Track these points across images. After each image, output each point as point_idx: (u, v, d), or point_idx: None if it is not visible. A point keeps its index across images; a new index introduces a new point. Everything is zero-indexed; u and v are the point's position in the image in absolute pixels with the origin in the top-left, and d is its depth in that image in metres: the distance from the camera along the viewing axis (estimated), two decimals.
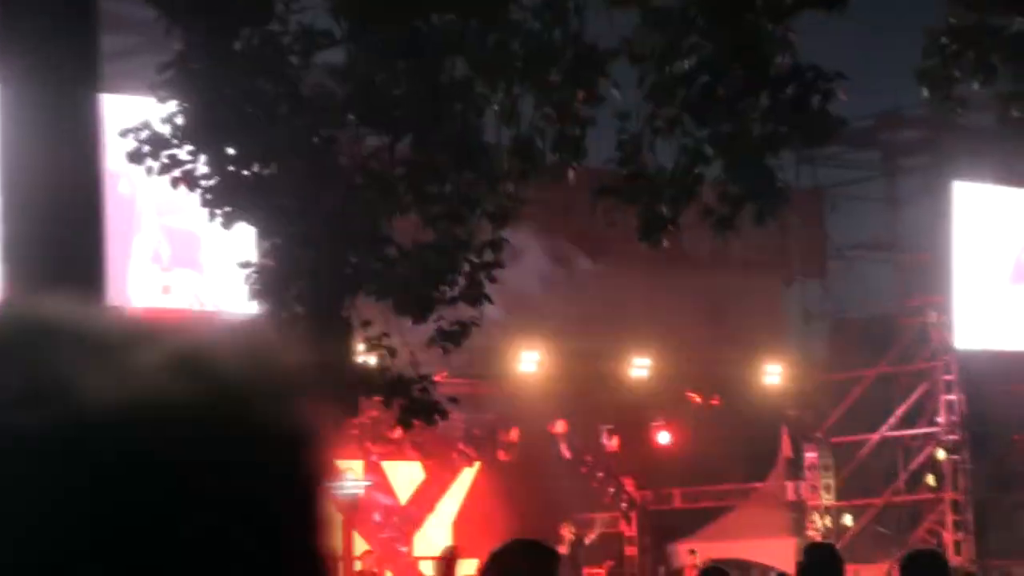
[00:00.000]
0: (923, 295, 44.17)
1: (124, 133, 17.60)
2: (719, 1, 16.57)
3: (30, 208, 2.55)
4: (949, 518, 42.49)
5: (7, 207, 3.81)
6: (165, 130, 16.89)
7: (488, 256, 17.57)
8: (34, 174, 2.68)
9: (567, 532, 41.82)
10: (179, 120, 16.95)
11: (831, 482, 44.16)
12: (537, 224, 21.91)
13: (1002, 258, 42.85)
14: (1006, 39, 18.80)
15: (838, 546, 25.37)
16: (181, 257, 31.78)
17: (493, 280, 17.67)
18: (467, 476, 44.98)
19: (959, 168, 41.36)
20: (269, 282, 18.22)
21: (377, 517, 42.06)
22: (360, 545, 38.52)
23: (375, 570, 39.22)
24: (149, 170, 17.41)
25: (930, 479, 43.71)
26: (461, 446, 42.56)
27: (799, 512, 44.13)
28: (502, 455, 43.80)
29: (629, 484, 45.98)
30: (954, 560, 36.97)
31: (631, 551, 45.43)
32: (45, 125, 2.58)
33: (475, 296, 17.59)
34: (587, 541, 43.28)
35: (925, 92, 19.52)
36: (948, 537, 41.37)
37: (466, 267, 17.58)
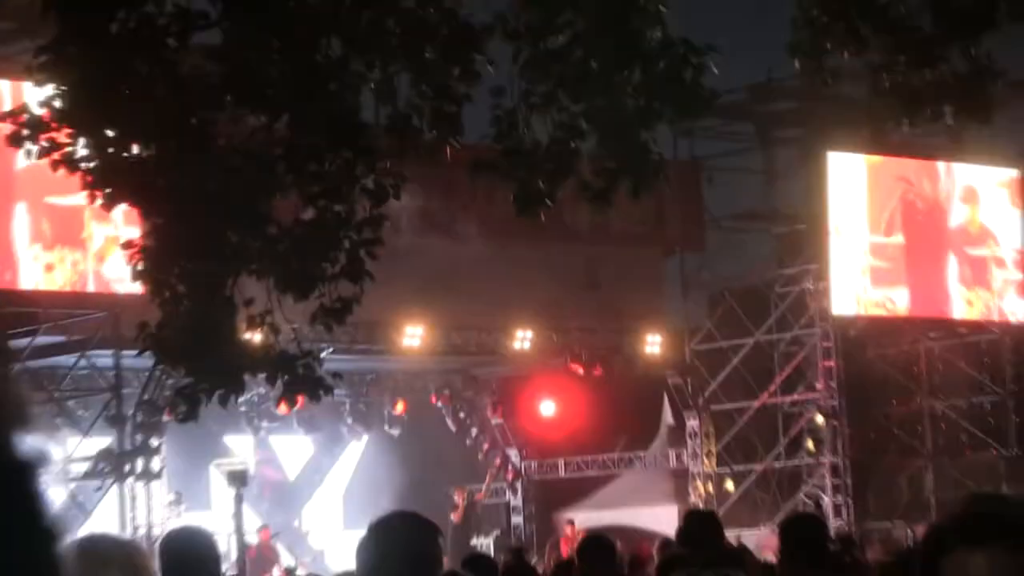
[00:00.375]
0: (799, 264, 44.50)
1: (2, 117, 17.52)
2: None
3: None
4: (828, 482, 42.95)
5: None
6: (43, 113, 16.74)
7: (368, 233, 17.46)
8: None
9: (459, 497, 42.19)
10: (57, 103, 16.81)
11: (712, 449, 44.42)
12: (418, 199, 21.74)
13: (876, 224, 43.20)
14: (876, 9, 18.82)
15: (719, 512, 25.42)
16: (63, 235, 31.36)
17: (374, 257, 17.59)
18: (355, 449, 45.04)
19: (833, 138, 41.77)
20: (151, 262, 18.10)
21: (267, 492, 42.12)
22: (252, 521, 38.37)
23: (268, 544, 39.32)
24: (28, 153, 17.26)
25: (809, 444, 44.11)
26: (348, 420, 42.64)
27: (682, 479, 44.41)
28: (389, 428, 43.94)
29: (514, 455, 46.17)
30: (834, 523, 37.48)
31: (517, 520, 45.64)
32: None
33: (356, 273, 17.49)
34: (478, 498, 43.69)
35: (797, 64, 19.56)
36: (827, 501, 41.76)
37: (346, 244, 17.49)
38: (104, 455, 38.28)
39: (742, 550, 17.29)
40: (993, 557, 4.90)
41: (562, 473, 46.88)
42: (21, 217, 29.71)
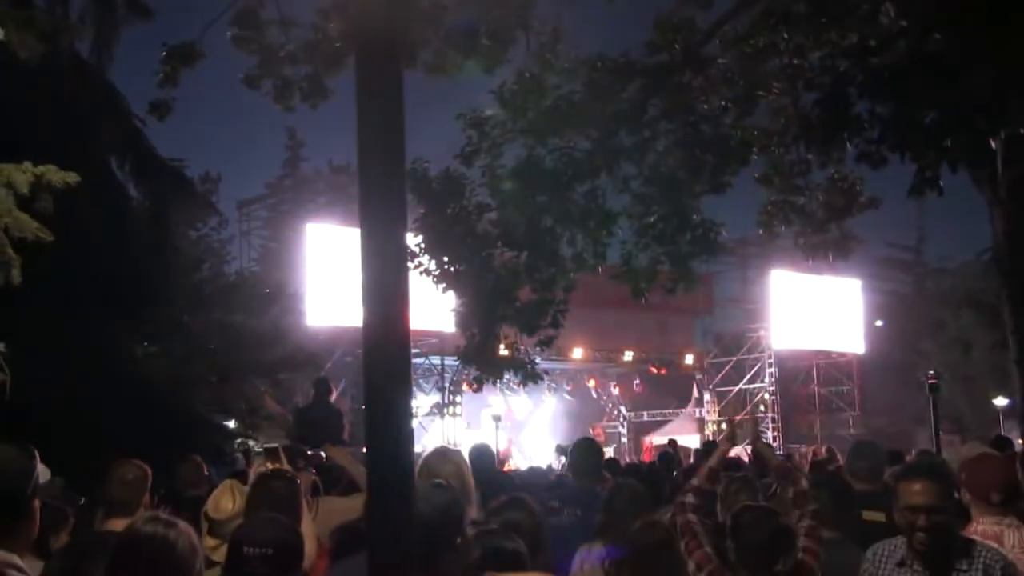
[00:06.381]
0: (757, 322, 44.46)
1: None
2: (668, 185, 16.29)
3: (375, 294, 2.32)
4: (770, 424, 42.60)
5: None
6: (415, 250, 16.70)
7: (561, 307, 17.30)
8: (377, 273, 2.47)
9: (596, 429, 42.24)
10: (421, 244, 16.80)
11: (716, 409, 44.24)
12: (582, 290, 21.63)
13: (796, 304, 43.23)
14: (797, 207, 18.57)
15: (718, 438, 24.90)
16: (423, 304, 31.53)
17: (563, 317, 17.43)
18: (549, 404, 44.85)
19: (775, 264, 41.80)
20: (463, 319, 18.10)
21: (509, 423, 42.11)
22: (502, 437, 38.20)
23: (509, 448, 39.16)
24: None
25: (761, 407, 43.74)
26: (546, 391, 42.51)
27: (700, 423, 44.04)
28: (565, 395, 44.04)
29: (623, 408, 45.99)
30: (774, 444, 37.58)
31: (623, 440, 45.42)
32: (382, 256, 2.39)
33: (555, 325, 17.34)
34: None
35: (760, 230, 19.28)
36: (769, 435, 41.43)
37: (551, 311, 17.33)
38: (435, 405, 38.49)
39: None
40: (923, 483, 4.88)
41: (645, 418, 46.52)
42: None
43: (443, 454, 6.45)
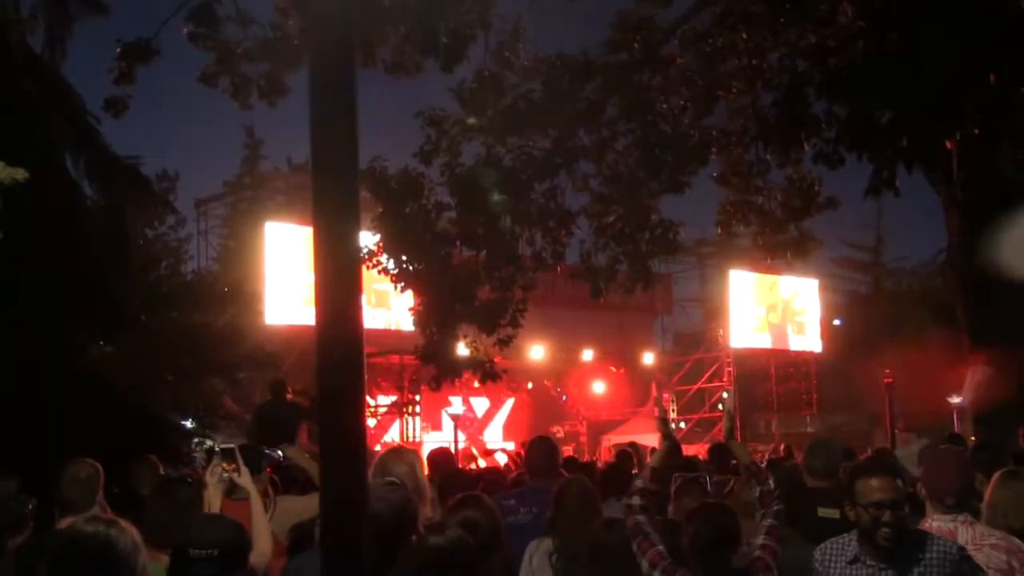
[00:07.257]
0: (715, 320, 44.50)
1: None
2: (627, 184, 16.32)
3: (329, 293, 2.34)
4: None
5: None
6: (373, 248, 16.61)
7: (520, 306, 17.26)
8: (327, 274, 2.45)
9: (558, 429, 42.13)
10: (380, 243, 16.71)
11: (675, 406, 44.30)
12: (542, 290, 21.60)
13: (754, 303, 43.31)
14: (756, 207, 18.65)
15: (680, 437, 24.91)
16: (381, 302, 31.45)
17: (523, 316, 17.39)
18: (508, 404, 44.81)
19: (733, 264, 41.92)
20: (422, 318, 18.02)
21: (469, 423, 41.88)
22: (460, 436, 38.02)
23: (469, 448, 38.93)
24: (367, 267, 17.04)
25: (720, 405, 43.82)
26: (507, 390, 42.39)
27: (660, 421, 44.20)
28: (524, 395, 43.90)
29: (582, 408, 45.95)
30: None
31: (581, 440, 45.35)
32: (335, 254, 2.38)
33: (514, 324, 17.30)
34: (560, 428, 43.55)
35: (719, 229, 19.34)
36: None
37: (510, 310, 17.29)
38: (394, 404, 38.31)
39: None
40: (884, 479, 4.90)
41: (604, 417, 46.56)
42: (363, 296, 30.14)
43: (397, 453, 6.47)
